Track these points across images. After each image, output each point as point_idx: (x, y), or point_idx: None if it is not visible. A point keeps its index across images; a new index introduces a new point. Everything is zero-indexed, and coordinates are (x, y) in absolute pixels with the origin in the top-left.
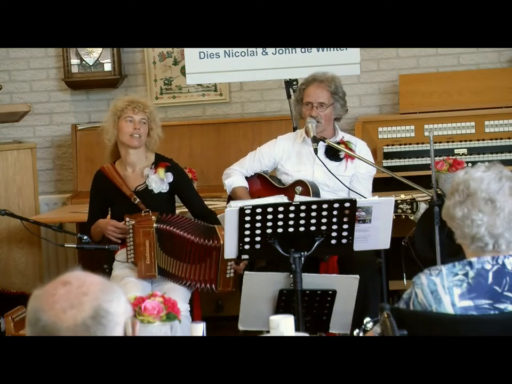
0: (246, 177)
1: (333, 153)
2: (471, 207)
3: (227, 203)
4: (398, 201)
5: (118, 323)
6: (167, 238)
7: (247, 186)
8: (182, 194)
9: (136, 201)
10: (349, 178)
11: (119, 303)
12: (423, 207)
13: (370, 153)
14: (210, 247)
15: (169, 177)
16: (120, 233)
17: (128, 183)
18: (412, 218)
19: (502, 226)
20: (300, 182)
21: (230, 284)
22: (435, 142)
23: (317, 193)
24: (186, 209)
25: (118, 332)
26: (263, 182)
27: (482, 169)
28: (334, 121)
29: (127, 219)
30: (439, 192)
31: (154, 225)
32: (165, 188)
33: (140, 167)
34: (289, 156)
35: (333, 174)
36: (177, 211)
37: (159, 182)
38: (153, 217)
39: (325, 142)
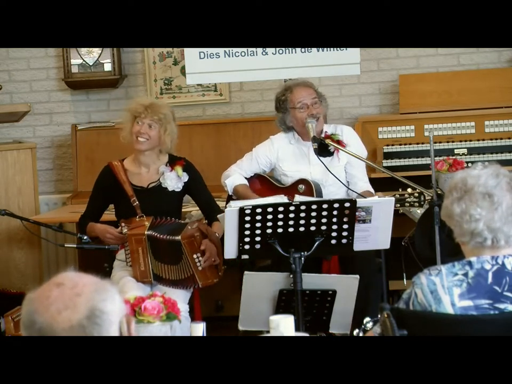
0: (246, 178)
1: (321, 150)
2: (469, 203)
3: (226, 203)
4: (405, 195)
5: (113, 322)
6: (159, 244)
7: (248, 184)
8: (195, 192)
9: (135, 204)
10: (344, 167)
11: (114, 302)
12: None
13: (357, 135)
14: (178, 241)
15: (185, 177)
16: (119, 241)
17: (142, 181)
18: (419, 212)
19: (500, 221)
20: (302, 181)
21: (208, 276)
22: (435, 142)
23: (319, 192)
24: (188, 209)
25: (113, 330)
26: (264, 182)
27: (479, 167)
28: None
29: (123, 224)
30: (439, 192)
31: (146, 232)
32: (180, 187)
33: (155, 166)
34: (285, 157)
35: (332, 174)
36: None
37: (175, 179)
38: (146, 223)
39: (324, 142)
